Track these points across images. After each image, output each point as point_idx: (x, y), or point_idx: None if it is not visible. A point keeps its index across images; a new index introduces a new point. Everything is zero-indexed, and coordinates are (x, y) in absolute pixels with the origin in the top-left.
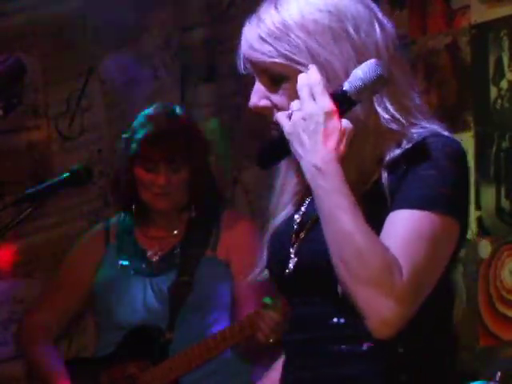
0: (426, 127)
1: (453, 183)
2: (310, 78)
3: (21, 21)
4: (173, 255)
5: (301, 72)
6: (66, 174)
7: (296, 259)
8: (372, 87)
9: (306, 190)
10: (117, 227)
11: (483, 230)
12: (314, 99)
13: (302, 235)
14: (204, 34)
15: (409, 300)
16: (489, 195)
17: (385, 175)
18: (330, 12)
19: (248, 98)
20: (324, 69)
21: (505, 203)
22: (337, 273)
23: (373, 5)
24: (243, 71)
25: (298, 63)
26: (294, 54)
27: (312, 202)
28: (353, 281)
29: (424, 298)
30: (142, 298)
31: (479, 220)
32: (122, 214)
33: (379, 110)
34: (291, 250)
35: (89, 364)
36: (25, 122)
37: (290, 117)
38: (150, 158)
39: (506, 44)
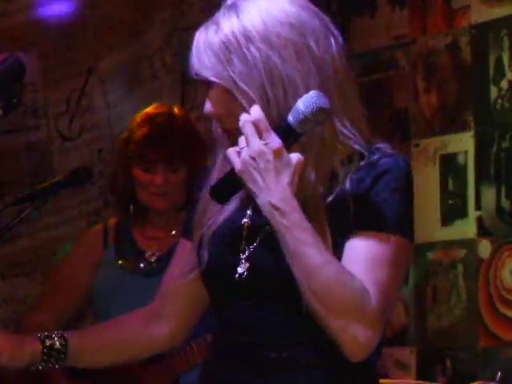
0: (379, 143)
1: (409, 205)
2: (253, 115)
3: (21, 21)
4: (171, 256)
5: (239, 96)
6: (66, 174)
7: (247, 264)
8: (315, 119)
9: (245, 193)
10: (115, 228)
11: (483, 230)
12: (260, 137)
13: (255, 241)
14: None
15: (379, 322)
16: (489, 195)
17: (347, 187)
18: (292, 25)
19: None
20: (283, 83)
21: (505, 203)
22: (308, 304)
23: (326, 17)
24: (194, 77)
25: (241, 92)
26: (243, 76)
27: (258, 208)
28: (325, 312)
29: (387, 316)
30: (141, 299)
31: (479, 220)
32: (120, 215)
33: (336, 122)
34: (241, 256)
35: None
36: (25, 122)
37: (239, 153)
38: (147, 159)
39: (506, 44)
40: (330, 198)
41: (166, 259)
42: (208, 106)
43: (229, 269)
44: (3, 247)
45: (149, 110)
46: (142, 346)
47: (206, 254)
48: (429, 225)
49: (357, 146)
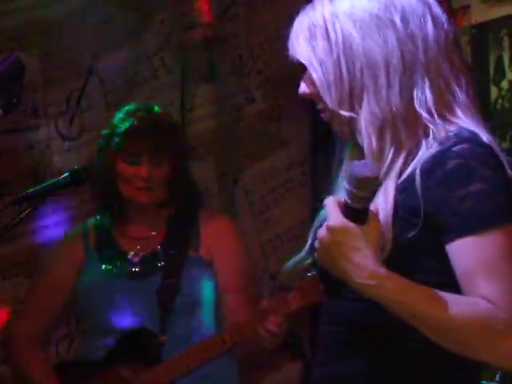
0: (462, 127)
1: (501, 190)
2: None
3: (21, 21)
4: (155, 256)
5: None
6: (66, 174)
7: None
8: (366, 190)
9: None
10: (95, 229)
11: None
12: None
13: None
14: (204, 33)
15: None
16: None
17: (418, 176)
18: (379, 1)
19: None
20: (361, 58)
21: None
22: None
23: (431, 0)
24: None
25: (314, 68)
26: (321, 51)
27: None
28: (472, 352)
29: None
30: (129, 302)
31: None
32: (99, 216)
33: (417, 105)
34: None
35: (79, 368)
36: (25, 122)
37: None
38: (132, 151)
39: (506, 44)
40: (401, 179)
41: (150, 260)
42: (301, 87)
43: None
44: (3, 247)
45: (129, 107)
46: None
47: None
48: None
49: (435, 126)
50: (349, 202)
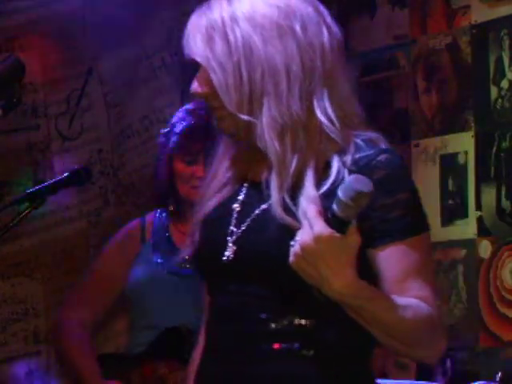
0: (368, 135)
1: (419, 196)
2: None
3: (21, 21)
4: None
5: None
6: (66, 174)
7: (235, 247)
8: (357, 204)
9: (240, 178)
10: (152, 224)
11: (484, 230)
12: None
13: (243, 225)
14: None
15: (441, 320)
16: (489, 195)
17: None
18: (279, 8)
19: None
20: (262, 63)
21: (505, 203)
22: (384, 343)
23: (323, 9)
24: (186, 57)
25: (213, 69)
26: (221, 54)
27: (250, 192)
28: (409, 350)
29: None
30: (174, 298)
31: (480, 220)
32: (159, 211)
33: (318, 113)
34: (228, 239)
35: (121, 361)
36: (25, 122)
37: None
38: (189, 150)
39: (506, 44)
40: (324, 188)
41: None
42: (194, 86)
43: (217, 252)
44: (3, 247)
45: (188, 106)
46: None
47: (197, 237)
48: None
49: (346, 137)
50: (338, 211)
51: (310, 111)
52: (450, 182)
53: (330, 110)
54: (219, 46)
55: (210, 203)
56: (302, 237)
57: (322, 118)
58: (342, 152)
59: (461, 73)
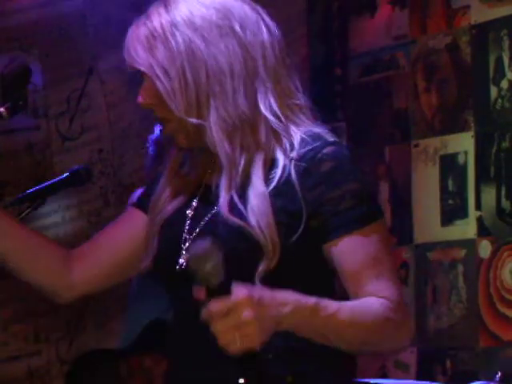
0: (314, 129)
1: (365, 187)
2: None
3: (21, 21)
4: None
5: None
6: (66, 174)
7: (187, 255)
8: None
9: (196, 183)
10: None
11: (483, 230)
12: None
13: (195, 231)
14: None
15: (404, 308)
16: (489, 195)
17: (293, 177)
18: (216, 9)
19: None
20: (206, 65)
21: (505, 203)
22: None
23: (259, 8)
24: (129, 69)
25: (157, 77)
26: (164, 61)
27: (204, 198)
28: (380, 348)
29: None
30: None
31: (479, 220)
32: None
33: (263, 109)
34: (182, 246)
35: (110, 355)
36: (25, 122)
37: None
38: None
39: (506, 44)
40: (271, 186)
41: None
42: (141, 96)
43: (172, 260)
44: None
45: None
46: (48, 268)
47: (155, 243)
48: (429, 225)
49: (292, 132)
50: (205, 282)
51: (256, 109)
52: (450, 182)
53: (274, 106)
54: (161, 52)
55: (168, 209)
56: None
57: (268, 115)
58: (287, 148)
59: (461, 73)
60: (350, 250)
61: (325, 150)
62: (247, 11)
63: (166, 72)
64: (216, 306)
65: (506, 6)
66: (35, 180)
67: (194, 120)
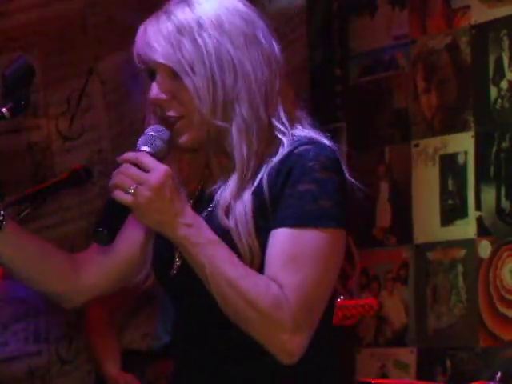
0: (306, 134)
1: (333, 194)
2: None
3: (21, 21)
4: None
5: (188, 78)
6: (66, 174)
7: (179, 262)
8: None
9: (192, 187)
10: None
11: (483, 230)
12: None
13: None
14: None
15: (304, 325)
16: (489, 195)
17: (264, 180)
18: (242, 17)
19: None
20: (234, 69)
21: (505, 203)
22: (230, 318)
23: (267, 21)
24: (139, 66)
25: (187, 74)
26: (192, 59)
27: (195, 206)
28: (246, 325)
29: (320, 313)
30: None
31: (479, 220)
32: None
33: (273, 116)
34: (175, 253)
35: (136, 356)
36: (25, 122)
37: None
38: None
39: (506, 44)
40: (252, 187)
41: None
42: (155, 91)
43: (167, 266)
44: None
45: None
46: (59, 276)
47: (151, 248)
48: (429, 225)
49: (283, 137)
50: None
51: (268, 116)
52: (450, 182)
53: (282, 115)
54: (189, 49)
55: None
56: (148, 179)
57: (276, 123)
58: (275, 154)
59: (460, 73)
60: (276, 241)
61: (296, 150)
62: (264, 23)
63: (193, 69)
64: (136, 155)
65: (506, 6)
66: (35, 180)
67: (218, 122)
